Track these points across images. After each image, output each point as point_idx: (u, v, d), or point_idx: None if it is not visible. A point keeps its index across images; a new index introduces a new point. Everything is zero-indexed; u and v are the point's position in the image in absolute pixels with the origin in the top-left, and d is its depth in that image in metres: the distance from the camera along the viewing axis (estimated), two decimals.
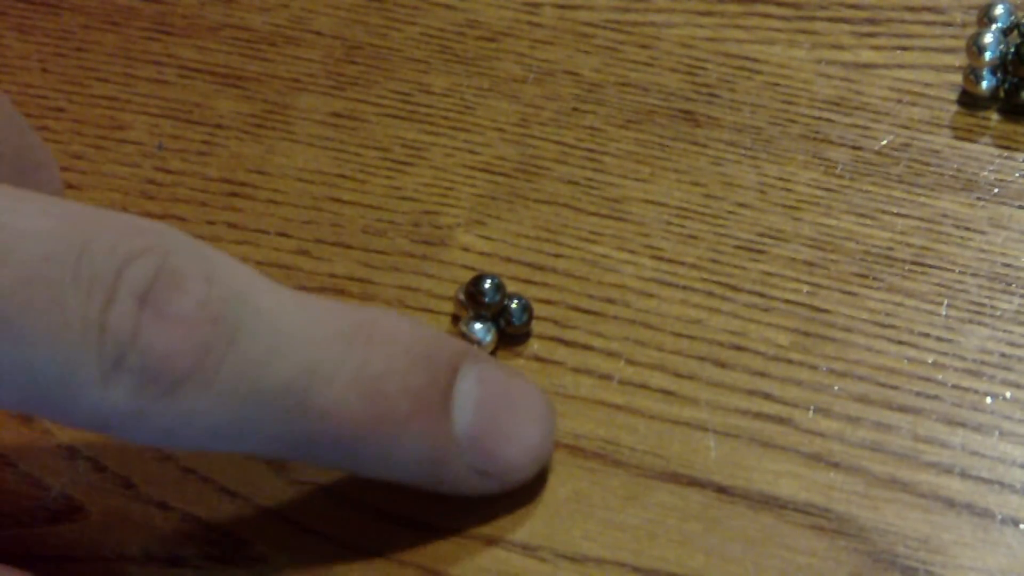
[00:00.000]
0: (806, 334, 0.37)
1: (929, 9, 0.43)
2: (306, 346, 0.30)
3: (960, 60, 0.41)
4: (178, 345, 0.29)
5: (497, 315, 0.37)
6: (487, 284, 0.37)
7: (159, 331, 0.29)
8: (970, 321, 0.37)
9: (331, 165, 0.41)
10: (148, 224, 0.30)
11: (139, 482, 0.35)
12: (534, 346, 0.37)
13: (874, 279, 0.38)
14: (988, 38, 0.40)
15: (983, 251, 0.38)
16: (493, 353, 0.37)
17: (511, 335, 0.37)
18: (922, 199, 0.39)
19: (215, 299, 0.29)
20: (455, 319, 0.37)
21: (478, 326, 0.36)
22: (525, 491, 0.35)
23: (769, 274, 0.38)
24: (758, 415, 0.35)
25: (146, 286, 0.29)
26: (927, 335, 0.36)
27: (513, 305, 0.37)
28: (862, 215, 0.39)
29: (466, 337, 0.36)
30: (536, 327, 0.37)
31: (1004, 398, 0.35)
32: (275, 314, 0.30)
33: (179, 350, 0.29)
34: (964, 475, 0.34)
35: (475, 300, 0.37)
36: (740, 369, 0.36)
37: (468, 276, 0.38)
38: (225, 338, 0.29)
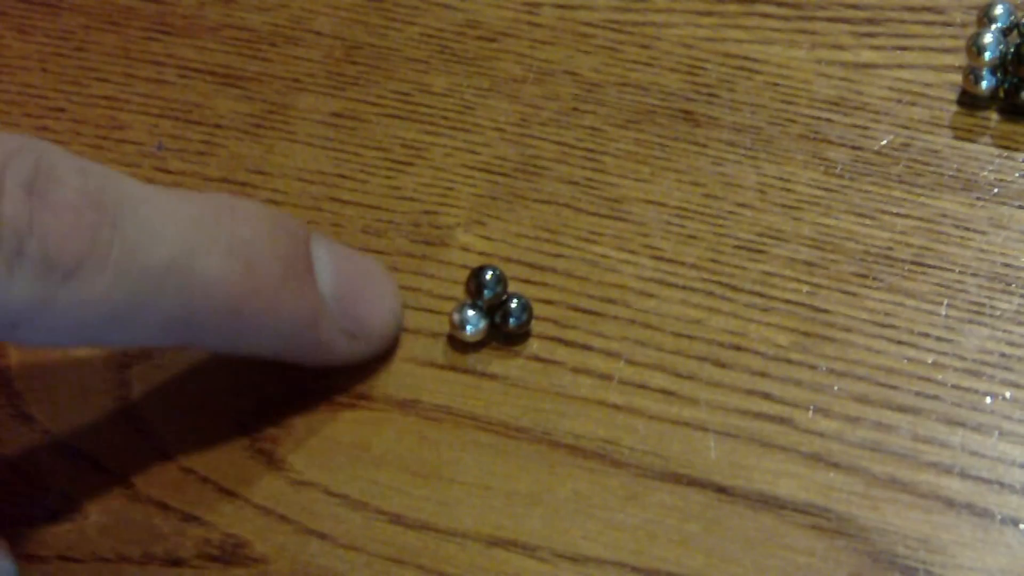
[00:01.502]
0: (806, 334, 0.37)
1: (929, 9, 0.43)
2: (180, 225, 0.32)
3: (960, 60, 0.41)
4: (70, 230, 0.30)
5: (494, 309, 0.37)
6: (488, 275, 0.37)
7: (51, 217, 0.30)
8: (970, 321, 0.37)
9: (331, 165, 0.41)
10: (11, 133, 0.31)
11: (139, 482, 0.35)
12: (534, 346, 0.37)
13: (874, 279, 0.38)
14: (988, 38, 0.40)
15: (983, 251, 0.38)
16: (481, 345, 0.37)
17: (509, 334, 0.37)
18: (922, 199, 0.39)
19: (92, 188, 0.31)
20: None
21: (470, 313, 0.37)
22: (525, 491, 0.35)
23: (769, 274, 0.38)
24: (758, 415, 0.35)
25: (29, 179, 0.30)
26: (927, 335, 0.36)
27: (513, 304, 0.37)
28: (862, 215, 0.39)
29: (454, 324, 0.37)
30: (536, 327, 0.37)
31: (1004, 398, 0.35)
32: (146, 200, 0.32)
33: (72, 234, 0.30)
34: (964, 475, 0.34)
35: (474, 289, 0.37)
36: (740, 369, 0.36)
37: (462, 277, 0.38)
38: (108, 222, 0.31)
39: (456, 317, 0.37)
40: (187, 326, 0.33)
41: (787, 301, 0.37)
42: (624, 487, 0.35)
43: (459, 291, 0.38)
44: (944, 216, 0.39)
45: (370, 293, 0.36)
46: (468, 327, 0.37)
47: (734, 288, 0.38)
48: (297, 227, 0.35)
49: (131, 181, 0.32)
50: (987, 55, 0.40)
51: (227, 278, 0.33)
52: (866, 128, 0.40)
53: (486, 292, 0.37)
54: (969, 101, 0.41)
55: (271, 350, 0.35)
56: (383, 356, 0.37)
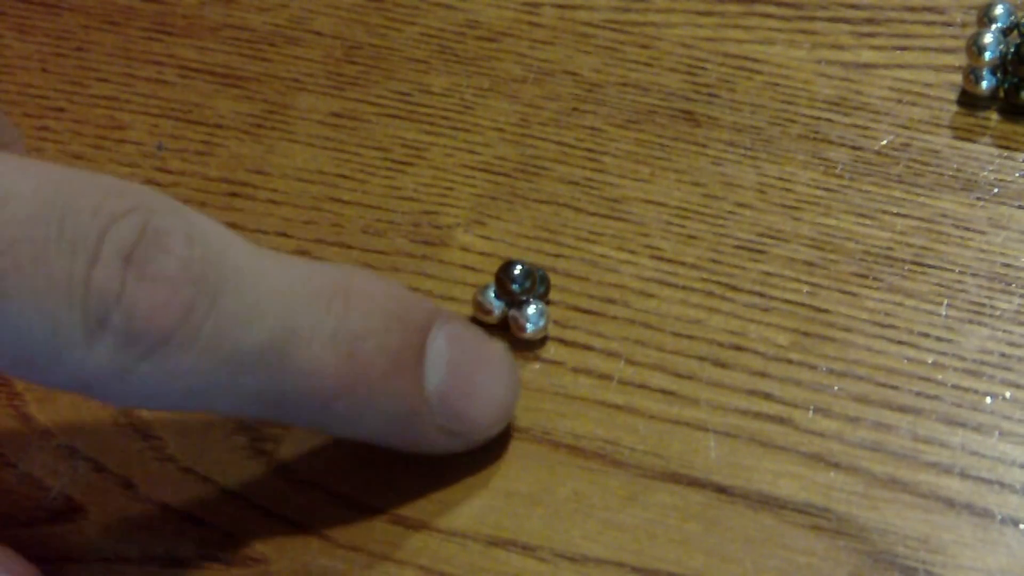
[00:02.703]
0: (806, 334, 0.37)
1: (929, 9, 0.43)
2: (285, 306, 0.31)
3: (960, 60, 0.41)
4: (162, 305, 0.29)
5: (514, 306, 0.37)
6: (516, 270, 0.37)
7: (143, 290, 0.29)
8: (970, 321, 0.37)
9: (331, 165, 0.41)
10: (129, 185, 0.30)
11: (139, 482, 0.36)
12: (534, 346, 0.37)
13: (874, 279, 0.38)
14: (988, 38, 0.40)
15: (983, 251, 0.38)
16: (545, 339, 0.37)
17: (524, 341, 0.37)
18: (922, 199, 0.39)
19: (197, 259, 0.30)
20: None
21: (531, 310, 0.37)
22: (525, 491, 0.35)
23: (769, 274, 0.38)
24: (758, 415, 0.35)
25: (130, 246, 0.29)
26: (927, 335, 0.36)
27: (530, 309, 0.37)
28: (862, 215, 0.39)
29: (480, 305, 0.37)
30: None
31: (1004, 398, 0.35)
32: (254, 274, 0.31)
33: (162, 310, 0.29)
34: (964, 475, 0.34)
35: (502, 285, 0.37)
36: (740, 369, 0.36)
37: (468, 276, 0.38)
38: (207, 298, 0.30)
39: (480, 299, 0.37)
40: (274, 407, 0.32)
41: (787, 301, 0.37)
42: (624, 487, 0.35)
43: (459, 291, 0.38)
44: (944, 216, 0.39)
45: (482, 390, 0.34)
46: (528, 326, 0.37)
47: (734, 288, 0.38)
48: (418, 314, 0.33)
49: (244, 249, 0.31)
50: (987, 55, 0.40)
51: (324, 371, 0.31)
52: (866, 128, 0.40)
53: (515, 287, 0.37)
54: (969, 101, 0.41)
55: (362, 436, 0.34)
56: None
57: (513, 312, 0.37)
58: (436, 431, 0.33)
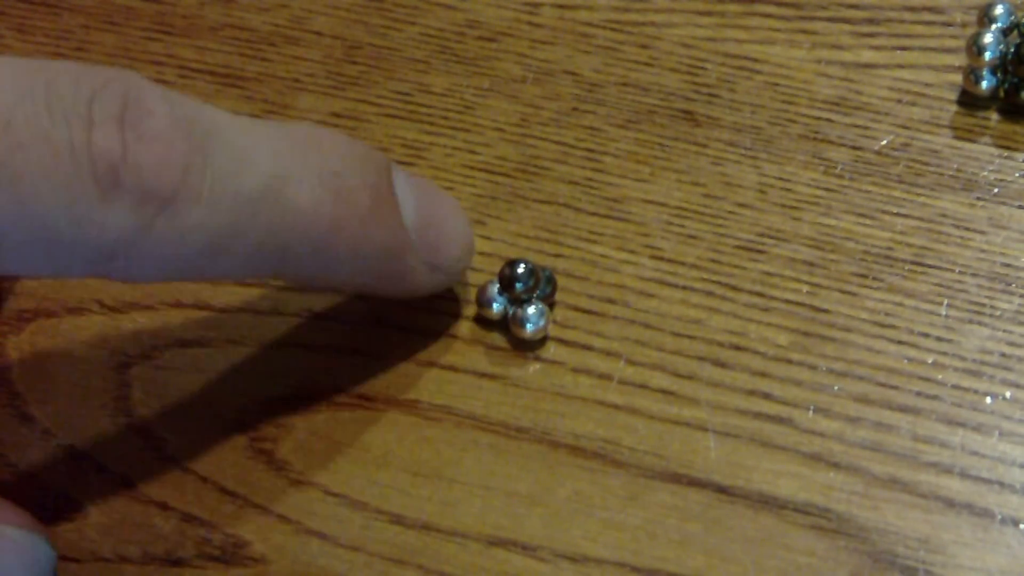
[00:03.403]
0: (806, 334, 0.37)
1: (929, 9, 0.43)
2: (269, 155, 0.32)
3: (960, 60, 0.41)
4: (164, 160, 0.30)
5: (516, 303, 0.37)
6: (520, 268, 0.37)
7: (143, 148, 0.30)
8: (970, 321, 0.37)
9: None
10: (97, 65, 0.32)
11: (139, 482, 0.36)
12: (534, 346, 0.37)
13: (874, 279, 0.38)
14: (988, 38, 0.40)
15: (983, 251, 0.38)
16: (545, 339, 0.37)
17: (524, 340, 0.37)
18: (922, 199, 0.39)
19: (181, 117, 0.31)
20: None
21: (531, 310, 0.37)
22: (525, 491, 0.35)
23: (769, 274, 0.38)
24: (758, 415, 0.35)
25: (119, 111, 0.30)
26: (927, 335, 0.36)
27: (530, 310, 0.37)
28: (862, 215, 0.39)
29: (517, 322, 0.37)
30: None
31: (1004, 398, 0.35)
32: (235, 128, 0.32)
33: (165, 165, 0.30)
34: (964, 475, 0.34)
35: (505, 283, 0.37)
36: (740, 369, 0.36)
37: (468, 276, 0.38)
38: (200, 152, 0.31)
39: (516, 316, 0.37)
40: (279, 256, 0.33)
41: (787, 301, 0.37)
42: (624, 487, 0.35)
43: (459, 290, 0.38)
44: (944, 216, 0.39)
45: (447, 225, 0.36)
46: (528, 325, 0.37)
47: (734, 288, 0.38)
48: (379, 157, 0.35)
49: (216, 109, 0.32)
50: (987, 55, 0.40)
51: (319, 207, 0.33)
52: (866, 128, 0.40)
53: (518, 285, 0.37)
54: (969, 101, 0.41)
55: (360, 281, 0.35)
56: (383, 355, 0.37)
57: (513, 311, 0.37)
58: (421, 265, 0.35)
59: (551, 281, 0.37)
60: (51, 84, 0.30)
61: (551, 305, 0.37)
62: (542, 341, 0.37)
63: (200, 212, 0.31)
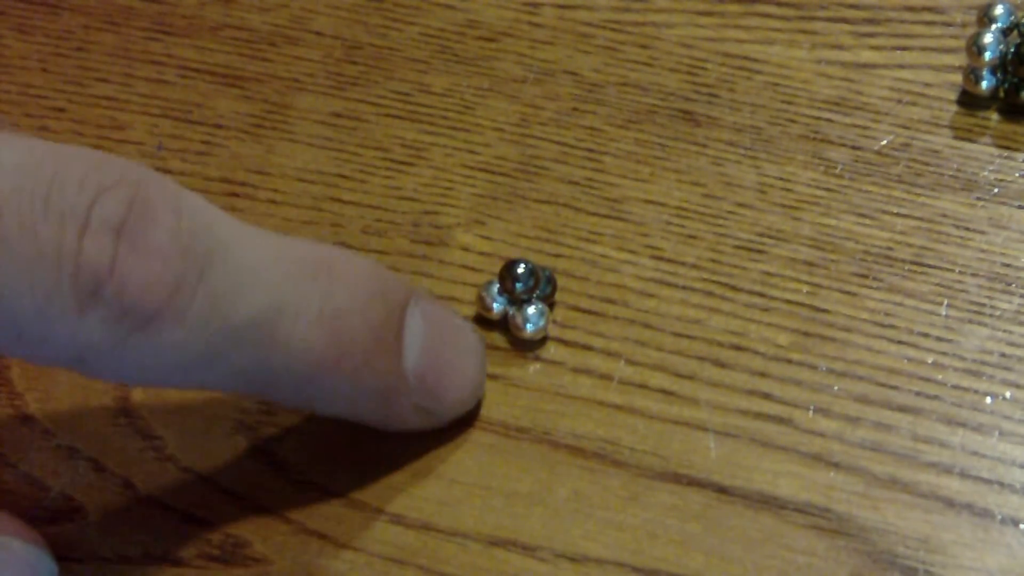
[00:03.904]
0: (806, 334, 0.37)
1: (929, 9, 0.43)
2: (272, 281, 0.31)
3: (960, 60, 0.41)
4: (154, 278, 0.29)
5: (516, 304, 0.37)
6: (519, 268, 0.37)
7: (135, 263, 0.29)
8: (970, 321, 0.37)
9: (331, 165, 0.41)
10: (114, 158, 0.30)
11: (139, 482, 0.36)
12: (534, 346, 0.37)
13: (874, 279, 0.38)
14: (988, 38, 0.40)
15: (983, 251, 0.38)
16: (545, 340, 0.37)
17: (522, 341, 0.37)
18: (922, 199, 0.39)
19: (186, 231, 0.30)
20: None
21: (531, 311, 0.37)
22: (525, 491, 0.35)
23: (769, 274, 0.38)
24: (758, 415, 0.35)
25: (120, 218, 0.29)
26: (927, 335, 0.36)
27: (530, 310, 0.37)
28: (862, 215, 0.39)
29: (517, 323, 0.37)
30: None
31: (1004, 398, 0.35)
32: (241, 247, 0.31)
33: (154, 284, 0.29)
34: (964, 475, 0.34)
35: (505, 285, 0.37)
36: (740, 369, 0.36)
37: (468, 276, 0.38)
38: (196, 271, 0.29)
39: (483, 295, 0.37)
40: (259, 383, 0.32)
41: (787, 301, 0.37)
42: (624, 487, 0.35)
43: (459, 291, 0.38)
44: (944, 216, 0.39)
45: (455, 369, 0.34)
46: (528, 325, 0.37)
47: (734, 288, 0.38)
48: (396, 291, 0.33)
49: (228, 221, 0.31)
50: (987, 55, 0.40)
51: (310, 345, 0.31)
52: (866, 128, 0.40)
53: (518, 285, 0.37)
54: (969, 101, 0.41)
55: (342, 412, 0.34)
56: None
57: (513, 311, 0.37)
58: (412, 409, 0.34)
59: (551, 281, 0.37)
60: (57, 176, 0.29)
61: (551, 305, 0.37)
62: (542, 341, 0.37)
63: (180, 334, 0.29)
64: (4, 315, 0.29)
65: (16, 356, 0.32)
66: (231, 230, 0.31)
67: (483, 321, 0.37)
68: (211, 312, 0.30)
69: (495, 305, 0.37)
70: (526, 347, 0.37)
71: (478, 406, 0.36)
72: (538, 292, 0.37)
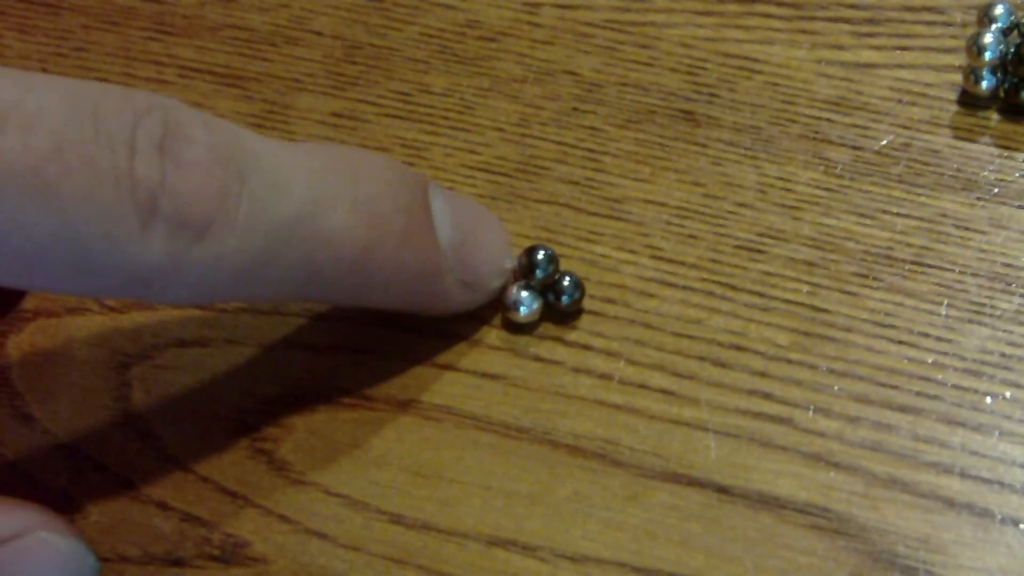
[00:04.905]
0: (806, 334, 0.37)
1: (929, 9, 0.43)
2: (304, 180, 0.32)
3: (960, 60, 0.41)
4: (201, 188, 0.31)
5: (547, 288, 0.37)
6: (539, 255, 0.37)
7: (182, 176, 0.30)
8: (970, 321, 0.37)
9: None
10: (138, 89, 0.32)
11: (139, 482, 0.36)
12: (534, 346, 0.37)
13: (874, 279, 0.38)
14: (988, 38, 0.40)
15: (983, 251, 0.38)
16: (535, 327, 0.37)
17: (562, 312, 0.37)
18: (922, 199, 0.39)
19: (219, 144, 0.31)
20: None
21: (524, 294, 0.37)
22: (525, 491, 0.35)
23: (769, 274, 0.38)
24: (758, 415, 0.35)
25: (160, 138, 0.30)
26: (927, 335, 0.36)
27: (565, 282, 0.37)
28: (862, 215, 0.39)
29: (511, 304, 0.37)
30: (536, 328, 0.37)
31: (1004, 398, 0.35)
32: (269, 155, 0.32)
33: (202, 192, 0.31)
34: (964, 475, 0.34)
35: (526, 270, 0.37)
36: (740, 369, 0.36)
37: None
38: (237, 178, 0.31)
39: (509, 298, 0.37)
40: (313, 280, 0.33)
41: (787, 301, 0.37)
42: (624, 487, 0.35)
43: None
44: (944, 216, 0.39)
45: (484, 242, 0.36)
46: (522, 308, 0.37)
47: (734, 288, 0.38)
48: (415, 178, 0.35)
49: (253, 135, 0.32)
50: (987, 55, 0.40)
51: (352, 233, 0.33)
52: (866, 128, 0.40)
53: (538, 272, 0.37)
54: (969, 101, 0.41)
55: (393, 302, 0.35)
56: (384, 356, 0.37)
57: (507, 294, 0.37)
58: (456, 285, 0.36)
59: (579, 287, 0.37)
60: (98, 108, 0.30)
61: (579, 312, 0.37)
62: (534, 326, 0.37)
63: (235, 239, 0.31)
64: (76, 245, 0.30)
65: (85, 291, 0.34)
66: (257, 141, 0.32)
67: (509, 325, 0.37)
68: (257, 215, 0.31)
69: (522, 309, 0.37)
70: (519, 331, 0.37)
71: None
72: (565, 298, 0.37)
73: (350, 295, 0.35)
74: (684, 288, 0.38)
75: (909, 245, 0.38)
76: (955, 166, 0.39)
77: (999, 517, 0.34)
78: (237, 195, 0.31)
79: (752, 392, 0.36)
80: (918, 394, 0.36)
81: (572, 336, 0.37)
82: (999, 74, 0.40)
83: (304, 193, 0.32)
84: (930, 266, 0.38)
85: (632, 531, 0.34)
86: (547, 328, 0.37)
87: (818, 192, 0.39)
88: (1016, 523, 0.34)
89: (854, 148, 0.40)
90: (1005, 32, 0.41)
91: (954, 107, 0.41)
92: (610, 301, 0.38)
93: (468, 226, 0.36)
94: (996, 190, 0.39)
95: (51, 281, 0.31)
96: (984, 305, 0.37)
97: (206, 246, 0.31)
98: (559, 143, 0.41)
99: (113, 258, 0.30)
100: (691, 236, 0.39)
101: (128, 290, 0.31)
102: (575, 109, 0.42)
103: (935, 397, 0.35)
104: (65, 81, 0.31)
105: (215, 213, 0.31)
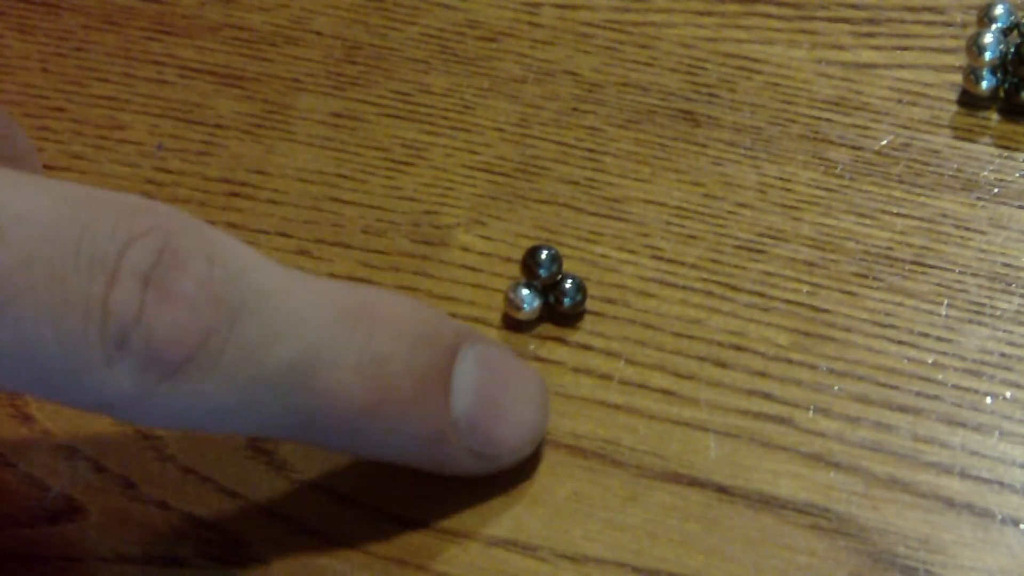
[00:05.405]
0: (806, 334, 0.37)
1: (929, 9, 0.43)
2: (309, 328, 0.30)
3: (960, 60, 0.41)
4: (181, 327, 0.29)
5: (549, 289, 0.37)
6: (543, 254, 0.37)
7: (162, 313, 0.29)
8: (970, 321, 0.37)
9: (331, 165, 0.41)
10: (148, 204, 0.30)
11: (139, 482, 0.35)
12: (535, 346, 0.37)
13: (874, 279, 0.38)
14: (988, 38, 0.40)
15: (983, 251, 0.38)
16: (535, 325, 0.37)
17: (563, 315, 0.37)
18: (922, 199, 0.39)
19: (217, 280, 0.29)
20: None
21: (525, 292, 0.37)
22: (525, 491, 0.35)
23: (769, 274, 0.38)
24: (758, 415, 0.35)
25: (149, 267, 0.29)
26: (927, 335, 0.36)
27: (567, 284, 0.37)
28: (862, 215, 0.39)
29: (511, 301, 0.37)
30: (536, 327, 0.37)
31: (1004, 398, 0.35)
32: (276, 294, 0.30)
33: (182, 333, 0.29)
34: (964, 475, 0.34)
35: (529, 270, 0.37)
36: (740, 369, 0.36)
37: (468, 276, 0.38)
38: (227, 320, 0.29)
39: (511, 296, 0.37)
40: (297, 429, 0.31)
41: (787, 301, 0.37)
42: (624, 487, 0.35)
43: (459, 291, 0.38)
44: (944, 216, 0.39)
45: (511, 411, 0.33)
46: (524, 306, 0.37)
47: (734, 288, 0.38)
48: (446, 336, 0.32)
49: (266, 268, 0.30)
50: (987, 55, 0.40)
51: (349, 393, 0.31)
52: (866, 128, 0.40)
53: (541, 271, 0.37)
54: (969, 101, 0.41)
55: (388, 458, 0.33)
56: None
57: (512, 292, 0.37)
58: (465, 454, 0.33)
59: (581, 289, 0.37)
60: (89, 224, 0.29)
61: (581, 314, 0.37)
62: (533, 324, 0.37)
63: (210, 383, 0.29)
64: (32, 364, 0.29)
65: (47, 400, 0.32)
66: (267, 276, 0.30)
67: (513, 323, 0.37)
68: (243, 361, 0.29)
69: (524, 307, 0.37)
70: (519, 328, 0.37)
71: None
72: (567, 300, 0.37)
73: (340, 448, 0.33)
74: (684, 288, 0.38)
75: (909, 245, 0.38)
76: (955, 166, 0.39)
77: (999, 517, 0.34)
78: (223, 339, 0.29)
79: (752, 392, 0.36)
80: (918, 394, 0.36)
81: (572, 336, 0.37)
82: (999, 74, 0.40)
83: (303, 344, 0.30)
84: (930, 266, 0.38)
85: (632, 531, 0.34)
86: (547, 328, 0.37)
87: (818, 192, 0.39)
88: (1016, 523, 0.34)
89: (854, 148, 0.40)
90: (1005, 32, 0.41)
91: (954, 107, 0.41)
92: (610, 301, 0.38)
93: (496, 395, 0.33)
94: (996, 190, 0.39)
95: (10, 386, 0.30)
96: (984, 305, 0.37)
97: (176, 386, 0.29)
98: (559, 143, 0.41)
99: (72, 381, 0.29)
100: (691, 236, 0.39)
101: (91, 408, 0.30)
102: (575, 109, 0.42)
103: (935, 397, 0.35)
104: (65, 188, 0.29)
105: (192, 354, 0.29)
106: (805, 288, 0.37)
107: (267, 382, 0.30)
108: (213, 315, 0.29)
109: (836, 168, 0.40)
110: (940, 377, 0.36)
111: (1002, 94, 0.40)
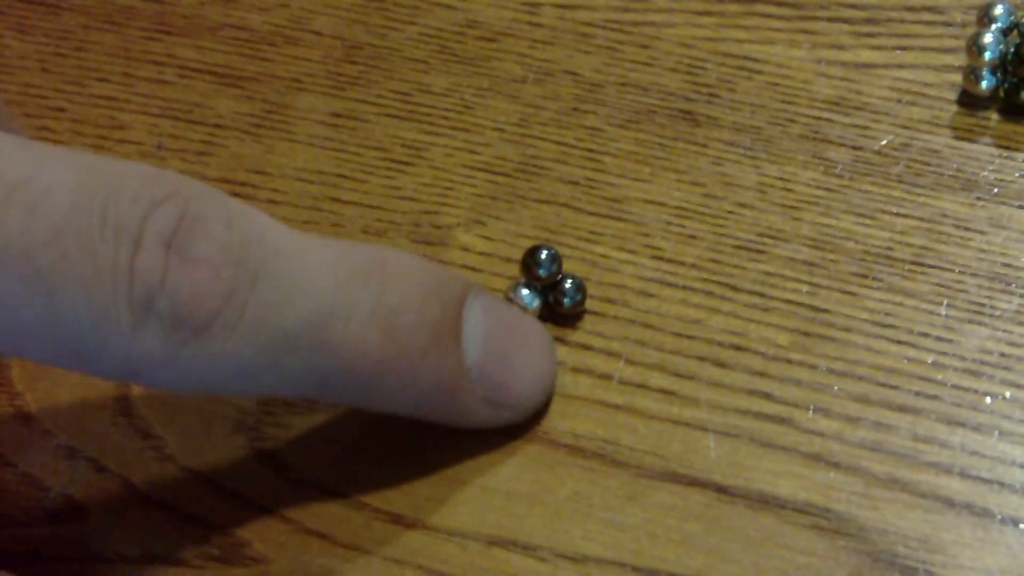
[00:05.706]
0: (806, 334, 0.37)
1: (929, 9, 0.43)
2: (324, 285, 0.31)
3: (960, 60, 0.41)
4: (204, 288, 0.30)
5: (548, 289, 0.37)
6: (543, 254, 0.37)
7: (185, 275, 0.29)
8: (970, 321, 0.37)
9: (331, 165, 0.41)
10: (167, 173, 0.31)
11: (139, 482, 0.36)
12: None
13: (874, 279, 0.38)
14: (988, 38, 0.40)
15: (983, 251, 0.38)
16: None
17: (563, 315, 0.37)
18: (922, 199, 0.39)
19: (236, 242, 0.30)
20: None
21: (524, 292, 0.37)
22: (525, 491, 0.35)
23: (769, 274, 0.38)
24: (758, 415, 0.35)
25: (171, 232, 0.30)
26: (927, 335, 0.36)
27: (567, 284, 0.37)
28: (862, 215, 0.39)
29: (511, 301, 0.37)
30: None
31: (1004, 398, 0.35)
32: (292, 255, 0.31)
33: (205, 293, 0.30)
34: (964, 475, 0.34)
35: (529, 269, 0.37)
36: (740, 369, 0.36)
37: (468, 276, 0.38)
38: (247, 280, 0.30)
39: (512, 295, 0.37)
40: (316, 385, 0.32)
41: (787, 301, 0.37)
42: (624, 487, 0.35)
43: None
44: (944, 216, 0.39)
45: (520, 359, 0.35)
46: (524, 306, 0.37)
47: (734, 288, 0.38)
48: (453, 288, 0.33)
49: (281, 231, 0.31)
50: (987, 55, 0.40)
51: (364, 345, 0.32)
52: (866, 128, 0.40)
53: (541, 271, 0.37)
54: (969, 101, 0.41)
55: (406, 411, 0.34)
56: None
57: (512, 291, 0.37)
58: (479, 403, 0.34)
59: (581, 289, 0.37)
60: (111, 194, 0.29)
61: (581, 314, 0.37)
62: (578, 316, 0.37)
63: (233, 342, 0.30)
64: (62, 331, 0.29)
65: (73, 370, 0.33)
66: (282, 238, 0.31)
67: None
68: (264, 320, 0.30)
69: (524, 306, 0.37)
70: (567, 321, 0.37)
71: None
72: (567, 300, 0.37)
73: (358, 402, 0.34)
74: (684, 288, 0.38)
75: (909, 245, 0.38)
76: (955, 166, 0.39)
77: (999, 517, 0.34)
78: (244, 297, 0.30)
79: (752, 392, 0.36)
80: (918, 394, 0.36)
81: (572, 336, 0.37)
82: (999, 74, 0.40)
83: (319, 300, 0.31)
84: (930, 266, 0.38)
85: (632, 531, 0.34)
86: (547, 328, 0.37)
87: (818, 192, 0.39)
88: (1016, 523, 0.34)
89: (854, 148, 0.40)
90: (1005, 32, 0.41)
91: (954, 107, 0.41)
92: (610, 301, 0.38)
93: (503, 343, 0.34)
94: (996, 190, 0.39)
95: (38, 357, 0.31)
96: (984, 305, 0.37)
97: (201, 345, 0.30)
98: (559, 143, 0.41)
99: (101, 348, 0.29)
100: (691, 236, 0.39)
101: (118, 376, 0.31)
102: (575, 109, 0.42)
103: (935, 397, 0.35)
104: (85, 159, 0.30)
105: (216, 314, 0.30)
106: (805, 288, 0.38)
107: (287, 339, 0.31)
108: (234, 276, 0.30)
109: (836, 168, 0.40)
110: (940, 377, 0.36)
111: (1002, 94, 0.40)
